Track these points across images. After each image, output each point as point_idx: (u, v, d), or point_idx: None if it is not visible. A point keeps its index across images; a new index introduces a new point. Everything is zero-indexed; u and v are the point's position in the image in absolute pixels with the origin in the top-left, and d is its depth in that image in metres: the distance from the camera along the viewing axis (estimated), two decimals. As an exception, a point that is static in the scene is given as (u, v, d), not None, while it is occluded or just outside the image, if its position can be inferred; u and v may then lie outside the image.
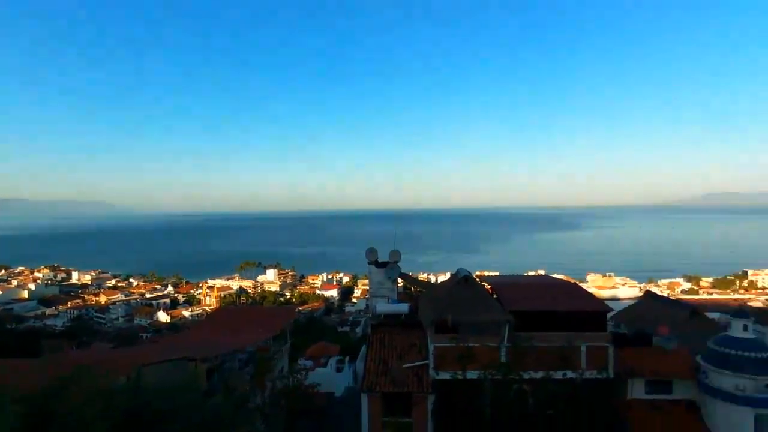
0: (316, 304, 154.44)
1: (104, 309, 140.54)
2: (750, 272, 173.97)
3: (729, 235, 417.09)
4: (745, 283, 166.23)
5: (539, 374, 22.20)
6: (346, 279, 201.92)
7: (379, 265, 29.85)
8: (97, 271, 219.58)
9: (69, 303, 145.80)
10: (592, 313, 22.93)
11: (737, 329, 22.47)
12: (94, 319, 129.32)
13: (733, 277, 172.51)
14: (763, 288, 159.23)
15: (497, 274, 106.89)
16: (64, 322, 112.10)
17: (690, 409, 23.05)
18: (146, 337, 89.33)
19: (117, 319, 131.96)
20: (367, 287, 32.00)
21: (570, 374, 22.17)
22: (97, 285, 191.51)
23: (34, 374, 10.67)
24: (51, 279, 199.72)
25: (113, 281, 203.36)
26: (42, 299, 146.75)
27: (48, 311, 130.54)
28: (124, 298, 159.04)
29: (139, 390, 11.37)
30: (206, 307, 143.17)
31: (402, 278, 30.54)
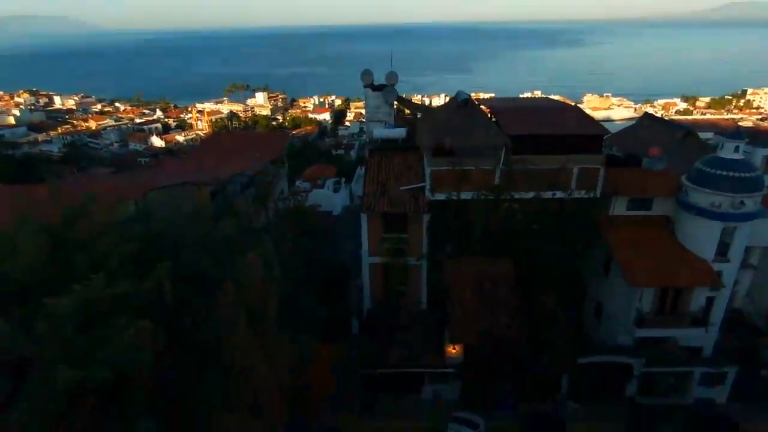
0: (309, 128, 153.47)
1: (96, 134, 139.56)
2: (749, 91, 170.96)
3: (738, 51, 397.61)
4: (741, 103, 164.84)
5: (530, 195, 23.33)
6: (338, 102, 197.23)
7: (375, 88, 28.66)
8: (79, 96, 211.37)
9: (59, 129, 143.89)
10: (589, 136, 23.01)
11: (728, 150, 22.86)
12: (89, 144, 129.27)
13: (730, 97, 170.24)
14: (758, 108, 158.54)
15: (493, 96, 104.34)
16: (59, 148, 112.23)
17: (664, 223, 24.96)
18: (144, 161, 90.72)
19: (111, 144, 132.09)
20: (361, 110, 31.27)
21: (559, 194, 23.31)
22: (83, 110, 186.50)
23: (48, 202, 10.90)
24: (33, 104, 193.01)
25: (98, 106, 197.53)
26: (30, 125, 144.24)
27: (40, 137, 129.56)
28: (114, 123, 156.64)
29: (150, 218, 11.82)
30: (199, 132, 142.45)
31: (398, 102, 29.68)
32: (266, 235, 24.79)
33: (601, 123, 24.86)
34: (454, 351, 22.97)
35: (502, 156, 22.54)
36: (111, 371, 7.57)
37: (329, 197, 47.61)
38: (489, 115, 25.34)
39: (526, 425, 22.67)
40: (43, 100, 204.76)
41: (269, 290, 12.04)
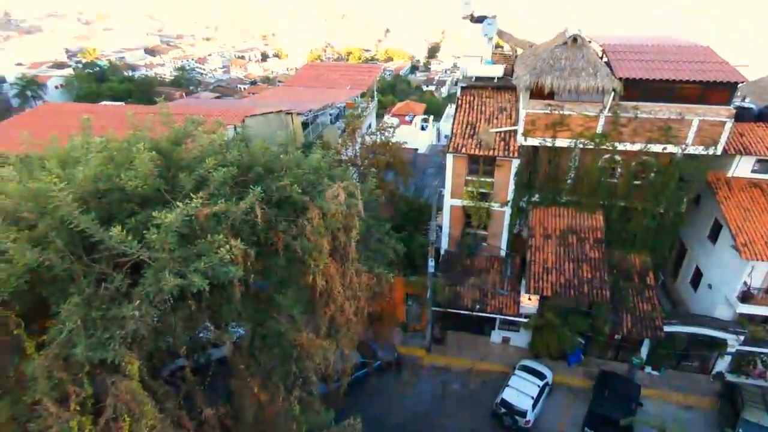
0: (401, 61, 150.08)
1: (203, 61, 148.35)
2: None
3: None
4: None
5: (636, 147, 21.16)
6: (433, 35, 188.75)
7: (475, 20, 26.82)
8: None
9: (170, 54, 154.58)
10: (718, 83, 19.87)
11: None
12: (196, 69, 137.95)
13: None
14: None
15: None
16: (170, 72, 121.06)
17: (796, 190, 21.67)
18: (244, 88, 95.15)
19: (215, 70, 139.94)
20: (457, 45, 29.58)
21: (671, 148, 20.87)
22: (191, 35, 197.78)
23: (159, 122, 11.89)
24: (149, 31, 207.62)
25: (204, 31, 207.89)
26: (146, 49, 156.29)
27: (155, 61, 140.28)
28: (218, 49, 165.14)
29: (247, 143, 12.46)
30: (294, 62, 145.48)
31: (499, 36, 27.64)
32: (352, 167, 25.40)
33: (737, 68, 21.20)
34: (529, 301, 22.61)
35: (609, 101, 20.41)
36: (207, 282, 8.44)
37: (416, 135, 47.26)
38: (601, 55, 22.84)
39: (597, 383, 22.18)
40: (156, 26, 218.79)
41: (352, 221, 12.42)
